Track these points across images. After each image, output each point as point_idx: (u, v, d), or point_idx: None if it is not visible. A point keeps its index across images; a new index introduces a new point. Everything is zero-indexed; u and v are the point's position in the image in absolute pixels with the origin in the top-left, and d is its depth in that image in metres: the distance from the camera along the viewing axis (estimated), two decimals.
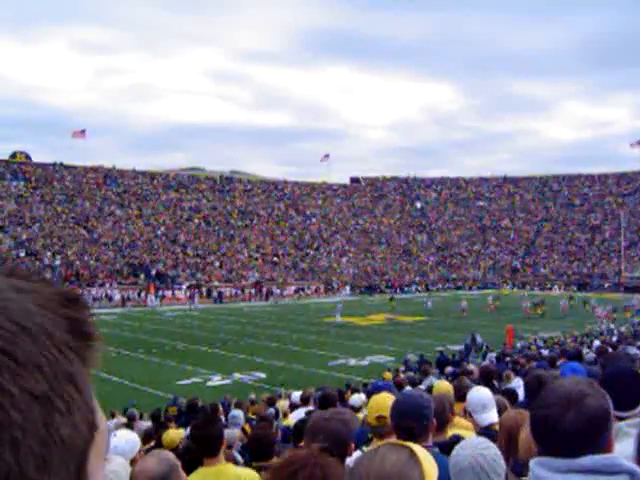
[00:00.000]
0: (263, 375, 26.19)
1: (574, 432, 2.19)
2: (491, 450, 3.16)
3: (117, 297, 59.39)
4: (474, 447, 3.16)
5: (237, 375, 26.41)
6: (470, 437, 3.35)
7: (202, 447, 4.56)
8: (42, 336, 0.57)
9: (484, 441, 3.27)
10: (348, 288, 74.21)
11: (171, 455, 3.65)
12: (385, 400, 4.48)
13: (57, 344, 0.58)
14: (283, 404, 14.03)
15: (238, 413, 10.56)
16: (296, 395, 15.33)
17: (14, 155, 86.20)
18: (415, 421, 3.94)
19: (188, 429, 6.86)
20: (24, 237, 68.52)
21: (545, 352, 21.53)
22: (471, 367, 16.78)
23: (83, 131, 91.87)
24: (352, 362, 28.99)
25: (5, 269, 0.64)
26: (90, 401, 0.61)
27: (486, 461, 3.10)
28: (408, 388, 10.24)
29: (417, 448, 1.86)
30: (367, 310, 52.10)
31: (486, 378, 10.16)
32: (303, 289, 72.45)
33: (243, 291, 67.34)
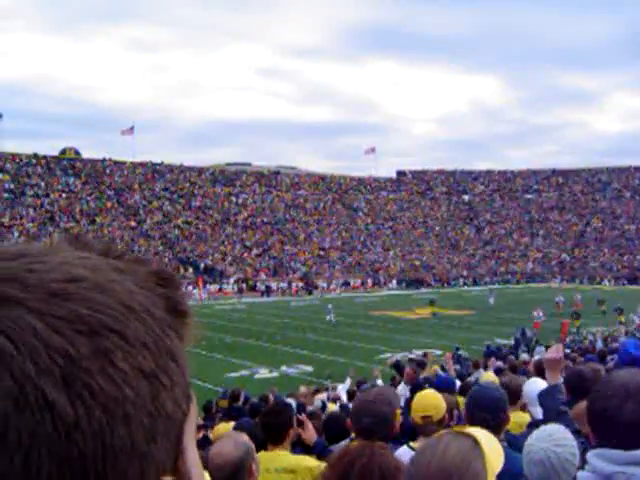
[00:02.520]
0: (310, 368, 26.30)
1: (633, 424, 2.18)
2: (566, 448, 3.08)
3: None
4: (550, 440, 3.09)
5: (284, 368, 26.56)
6: (550, 426, 3.25)
7: (269, 434, 4.67)
8: (146, 315, 0.58)
9: (562, 433, 3.17)
10: (394, 282, 74.05)
11: (246, 437, 3.66)
12: (431, 399, 4.46)
13: (159, 322, 0.59)
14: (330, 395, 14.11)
15: (291, 402, 10.67)
16: (343, 387, 15.39)
17: (64, 151, 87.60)
18: (491, 413, 3.93)
19: (234, 422, 6.95)
20: (75, 231, 69.58)
21: (600, 346, 21.30)
22: (524, 358, 16.61)
23: (131, 128, 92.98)
24: (399, 356, 28.95)
25: (100, 248, 0.64)
26: (187, 376, 0.63)
27: (558, 460, 3.03)
28: (457, 382, 10.21)
29: (482, 436, 1.84)
30: (414, 304, 51.92)
31: (541, 372, 10.06)
32: (349, 283, 72.44)
33: (290, 285, 67.55)
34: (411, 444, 4.13)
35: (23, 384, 0.49)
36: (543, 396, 4.18)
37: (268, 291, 64.04)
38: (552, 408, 4.03)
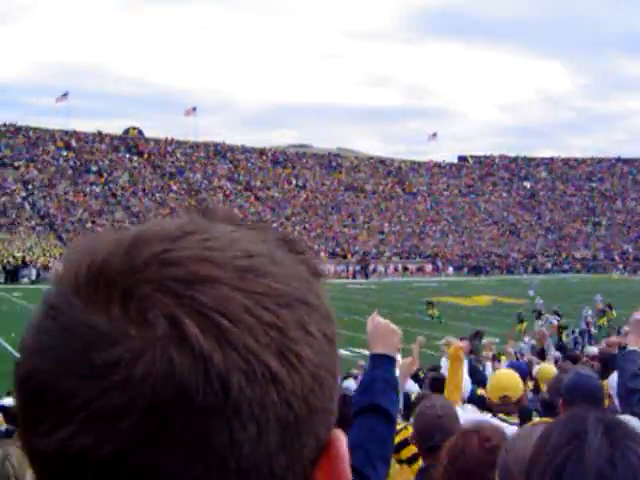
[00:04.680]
0: (365, 351, 26.33)
1: None
2: None
3: None
4: None
5: (341, 351, 26.60)
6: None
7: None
8: (307, 282, 0.61)
9: None
10: (451, 268, 73.57)
11: None
12: (511, 380, 4.43)
13: (315, 288, 0.62)
14: None
15: (350, 383, 10.78)
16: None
17: (127, 131, 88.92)
18: (594, 403, 3.80)
19: None
20: (137, 209, 70.75)
21: None
22: (591, 351, 16.44)
23: (194, 109, 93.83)
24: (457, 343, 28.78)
25: (222, 216, 0.64)
26: None
27: None
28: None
29: None
30: (472, 291, 51.60)
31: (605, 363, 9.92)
32: (407, 268, 72.25)
33: (347, 268, 67.62)
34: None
35: (248, 359, 0.52)
36: (621, 358, 3.94)
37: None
38: (629, 370, 3.77)
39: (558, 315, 32.65)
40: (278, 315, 0.55)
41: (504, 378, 4.47)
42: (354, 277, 64.88)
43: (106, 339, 0.52)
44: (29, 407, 0.55)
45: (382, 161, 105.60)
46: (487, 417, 4.51)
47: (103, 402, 0.51)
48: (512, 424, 4.10)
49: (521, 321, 33.43)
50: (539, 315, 33.76)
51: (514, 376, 4.47)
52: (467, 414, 4.62)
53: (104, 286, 0.54)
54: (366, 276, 65.49)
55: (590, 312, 33.38)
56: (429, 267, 73.54)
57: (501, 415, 4.29)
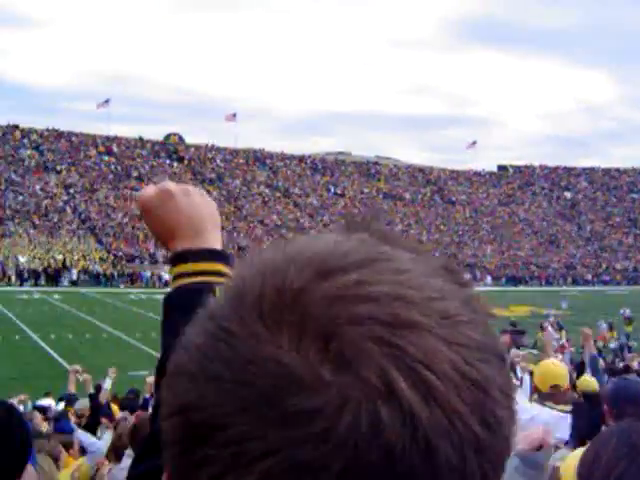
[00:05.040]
0: None
1: None
2: None
3: None
4: None
5: None
6: None
7: None
8: (490, 327, 0.54)
9: None
10: (489, 278, 72.98)
11: None
12: (559, 369, 4.39)
13: (496, 334, 0.55)
14: None
15: None
16: None
17: (168, 136, 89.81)
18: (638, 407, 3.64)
19: None
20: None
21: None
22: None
23: (234, 115, 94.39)
24: None
25: (388, 234, 0.57)
26: None
27: None
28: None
29: None
30: (510, 301, 51.12)
31: None
32: None
33: None
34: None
35: (454, 421, 0.47)
36: None
37: None
38: None
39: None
40: (481, 372, 0.49)
41: (552, 368, 4.43)
42: None
43: (301, 382, 0.45)
44: (189, 441, 0.48)
45: (421, 169, 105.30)
46: (538, 407, 4.47)
47: (293, 454, 0.45)
48: (565, 412, 4.08)
49: (560, 329, 33.02)
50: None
51: (561, 365, 4.44)
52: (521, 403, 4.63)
53: (296, 316, 0.47)
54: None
55: (605, 326, 32.95)
56: (467, 276, 72.80)
57: (550, 403, 4.26)
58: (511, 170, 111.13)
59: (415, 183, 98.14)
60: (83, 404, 9.94)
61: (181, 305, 1.19)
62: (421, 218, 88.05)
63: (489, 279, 72.63)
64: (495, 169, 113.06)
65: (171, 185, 1.36)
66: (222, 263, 1.29)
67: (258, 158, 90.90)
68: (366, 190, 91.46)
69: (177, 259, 1.29)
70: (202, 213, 1.32)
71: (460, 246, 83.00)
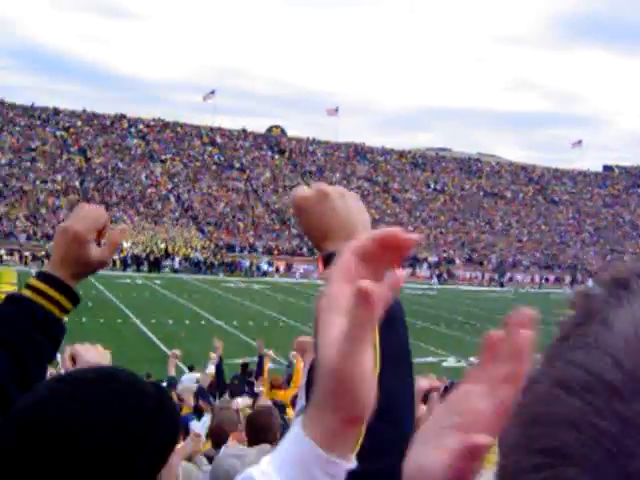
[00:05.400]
0: None
1: None
2: None
3: None
4: None
5: (473, 359, 26.27)
6: None
7: None
8: None
9: None
10: (591, 281, 70.85)
11: None
12: None
13: None
14: None
15: None
16: None
17: (271, 129, 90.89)
18: None
19: None
20: (276, 205, 72.04)
21: None
22: None
23: (336, 109, 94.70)
24: None
25: None
26: None
27: None
28: None
29: None
30: None
31: None
32: (547, 279, 70.41)
33: (483, 275, 66.65)
34: None
35: None
36: None
37: (459, 278, 63.75)
38: None
39: None
40: None
41: None
42: (490, 284, 63.87)
43: None
44: None
45: (523, 167, 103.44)
46: None
47: None
48: None
49: None
50: None
51: None
52: None
53: None
54: (501, 285, 64.29)
55: None
56: (567, 278, 71.35)
57: None
58: (617, 171, 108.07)
59: (517, 181, 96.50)
60: (185, 387, 10.30)
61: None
62: (522, 217, 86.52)
63: (591, 282, 70.56)
64: (601, 169, 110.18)
65: (327, 187, 1.40)
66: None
67: (358, 152, 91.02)
68: (466, 187, 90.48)
69: (328, 261, 1.31)
70: (355, 216, 1.37)
71: (561, 247, 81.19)
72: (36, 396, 1.25)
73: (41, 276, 1.60)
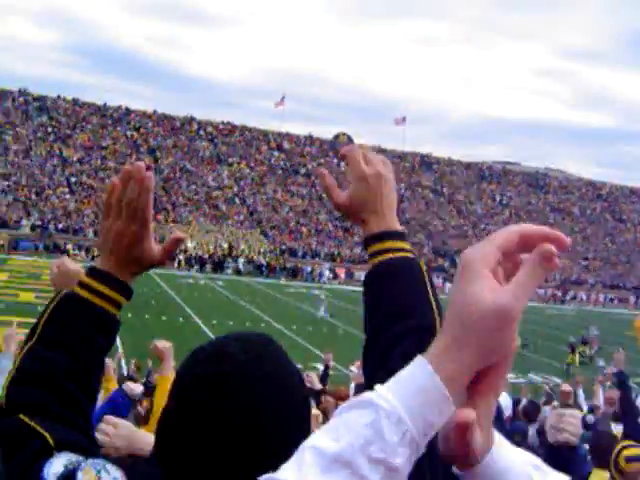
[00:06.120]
0: (559, 380, 25.58)
1: None
2: None
3: None
4: None
5: (532, 376, 26.06)
6: None
7: None
8: None
9: None
10: None
11: None
12: None
13: None
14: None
15: (546, 409, 10.95)
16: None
17: (337, 136, 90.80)
18: None
19: None
20: (340, 213, 72.08)
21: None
22: None
23: (404, 118, 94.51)
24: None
25: None
26: None
27: None
28: None
29: None
30: None
31: None
32: (612, 299, 69.10)
33: (545, 292, 65.72)
34: None
35: None
36: None
37: None
38: None
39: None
40: None
41: None
42: (551, 302, 62.95)
43: None
44: None
45: (592, 184, 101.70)
46: None
47: None
48: None
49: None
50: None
51: None
52: None
53: None
54: (562, 302, 63.38)
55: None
56: (632, 299, 69.91)
57: None
58: None
59: (585, 197, 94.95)
60: None
61: (390, 273, 1.57)
62: (588, 234, 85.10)
63: None
64: None
65: (381, 167, 1.71)
66: (404, 240, 1.65)
67: (424, 162, 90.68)
68: (533, 201, 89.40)
69: (375, 239, 1.63)
70: (394, 200, 1.69)
71: (628, 267, 79.60)
72: (224, 355, 1.27)
73: (94, 273, 1.60)
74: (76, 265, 2.59)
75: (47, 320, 1.55)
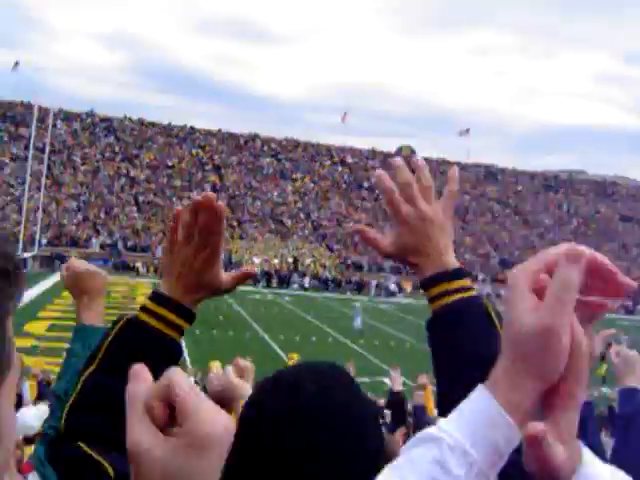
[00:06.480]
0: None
1: None
2: None
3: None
4: None
5: (604, 389, 25.52)
6: None
7: None
8: None
9: None
10: None
11: None
12: None
13: None
14: None
15: None
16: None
17: (400, 149, 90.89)
18: None
19: None
20: None
21: None
22: None
23: (467, 130, 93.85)
24: None
25: None
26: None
27: None
28: None
29: None
30: None
31: None
32: None
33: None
34: None
35: None
36: None
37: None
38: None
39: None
40: None
41: None
42: (621, 312, 61.57)
43: None
44: None
45: None
46: None
47: None
48: None
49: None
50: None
51: None
52: None
53: None
54: (630, 312, 61.95)
55: None
56: None
57: None
58: None
59: None
60: None
61: (451, 320, 1.45)
62: None
63: None
64: None
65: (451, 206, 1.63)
66: (462, 278, 1.51)
67: (489, 173, 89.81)
68: (602, 210, 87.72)
69: (430, 282, 1.49)
70: (445, 232, 1.56)
71: None
72: (296, 388, 1.24)
73: (158, 298, 1.57)
74: (84, 264, 2.57)
75: (109, 346, 1.53)
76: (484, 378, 1.33)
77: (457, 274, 1.50)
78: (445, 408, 1.46)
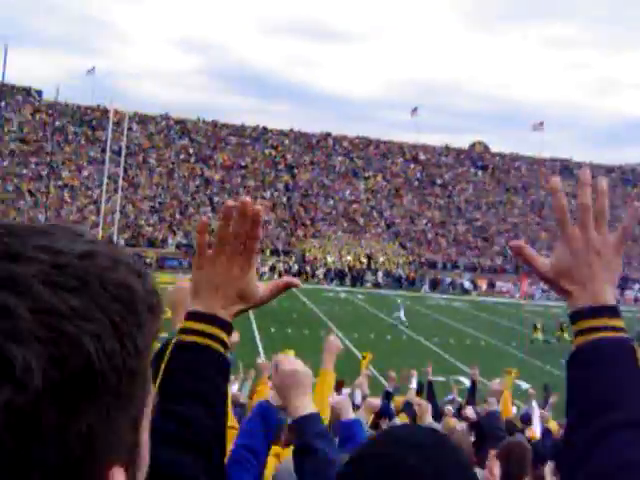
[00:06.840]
0: None
1: None
2: None
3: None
4: None
5: None
6: None
7: None
8: None
9: None
10: None
11: None
12: None
13: None
14: None
15: None
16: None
17: (473, 145, 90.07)
18: None
19: None
20: (479, 223, 71.23)
21: None
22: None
23: (541, 123, 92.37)
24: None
25: None
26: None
27: None
28: None
29: None
30: None
31: None
32: None
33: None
34: None
35: None
36: None
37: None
38: None
39: None
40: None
41: None
42: None
43: None
44: None
45: None
46: None
47: None
48: None
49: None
50: None
51: None
52: None
53: None
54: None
55: None
56: None
57: None
58: None
59: None
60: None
61: (594, 359, 1.34)
62: None
63: None
64: None
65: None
66: (615, 317, 1.39)
67: (565, 168, 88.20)
68: None
69: (580, 315, 1.38)
70: (611, 266, 1.45)
71: None
72: (400, 467, 1.19)
73: (199, 317, 1.47)
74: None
75: (165, 372, 1.44)
76: (611, 428, 1.25)
77: (612, 311, 1.39)
78: (565, 455, 1.36)
